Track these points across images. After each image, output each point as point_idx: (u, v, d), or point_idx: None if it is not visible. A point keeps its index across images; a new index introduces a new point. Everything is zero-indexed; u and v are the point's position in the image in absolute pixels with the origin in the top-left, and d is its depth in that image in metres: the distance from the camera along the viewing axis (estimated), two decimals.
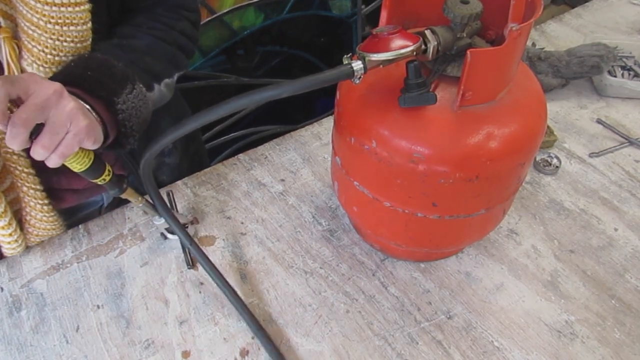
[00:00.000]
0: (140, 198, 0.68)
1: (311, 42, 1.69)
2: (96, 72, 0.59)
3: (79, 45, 0.62)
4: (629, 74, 1.08)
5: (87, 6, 0.60)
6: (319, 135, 0.98)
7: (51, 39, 0.60)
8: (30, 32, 0.59)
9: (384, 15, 0.60)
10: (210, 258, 0.78)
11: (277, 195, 0.87)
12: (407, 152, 0.56)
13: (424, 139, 0.56)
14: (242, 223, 0.83)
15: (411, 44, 0.53)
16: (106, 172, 0.59)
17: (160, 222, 0.73)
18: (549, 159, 0.92)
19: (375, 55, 0.52)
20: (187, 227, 0.80)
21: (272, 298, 0.73)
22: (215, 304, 0.72)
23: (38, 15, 0.58)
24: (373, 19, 1.72)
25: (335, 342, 0.68)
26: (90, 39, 0.64)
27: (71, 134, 0.51)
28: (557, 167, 0.91)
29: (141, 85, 0.65)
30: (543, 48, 1.11)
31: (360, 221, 0.73)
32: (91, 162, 0.56)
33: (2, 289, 0.74)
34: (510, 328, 0.70)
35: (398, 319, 0.70)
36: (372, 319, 0.70)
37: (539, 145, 0.62)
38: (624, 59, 1.09)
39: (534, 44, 1.17)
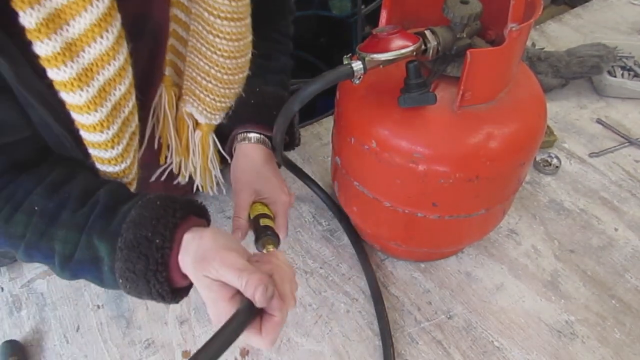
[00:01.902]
0: None
1: (311, 42, 1.69)
2: (274, 109, 0.61)
3: (239, 89, 0.64)
4: (629, 74, 1.08)
5: (249, 56, 0.61)
6: (319, 135, 0.98)
7: (223, 88, 0.62)
8: (205, 82, 0.61)
9: (384, 15, 0.60)
10: None
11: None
12: (407, 152, 0.56)
13: (424, 139, 0.56)
14: None
15: (411, 44, 0.53)
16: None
17: None
18: (549, 159, 0.92)
19: (375, 55, 0.52)
20: None
21: None
22: None
23: (217, 68, 0.60)
24: (373, 19, 1.72)
25: (335, 342, 0.68)
26: None
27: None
28: (557, 167, 0.91)
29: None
30: (543, 48, 1.11)
31: (360, 221, 0.73)
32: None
33: (2, 288, 0.74)
34: (510, 328, 0.70)
35: (398, 319, 0.70)
36: (372, 319, 0.70)
37: (539, 145, 0.62)
38: (624, 59, 1.09)
39: (534, 44, 1.17)
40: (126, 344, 0.68)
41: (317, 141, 0.97)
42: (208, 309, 0.46)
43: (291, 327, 0.70)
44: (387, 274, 0.76)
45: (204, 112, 0.64)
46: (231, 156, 0.71)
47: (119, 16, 0.46)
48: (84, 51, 0.45)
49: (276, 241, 0.59)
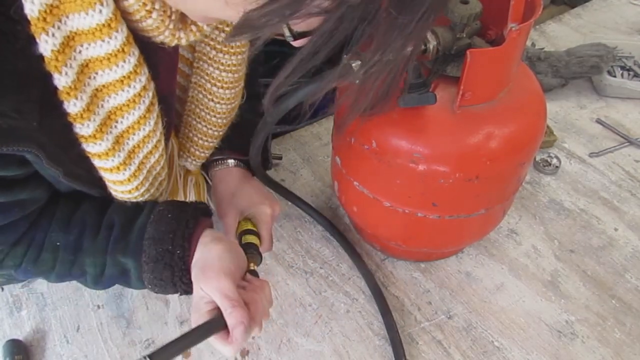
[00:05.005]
0: None
1: None
2: (248, 136, 0.63)
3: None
4: (629, 74, 1.08)
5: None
6: (319, 135, 0.98)
7: (214, 142, 0.67)
8: (201, 142, 0.66)
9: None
10: None
11: (277, 195, 0.87)
12: (407, 152, 0.56)
13: (424, 139, 0.56)
14: None
15: None
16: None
17: None
18: (548, 159, 0.92)
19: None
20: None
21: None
22: None
23: (214, 128, 0.65)
24: None
25: (335, 342, 0.68)
26: None
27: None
28: (557, 167, 0.91)
29: None
30: (543, 48, 1.11)
31: (360, 221, 0.73)
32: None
33: (2, 288, 0.74)
34: (510, 328, 0.70)
35: (398, 319, 0.70)
36: (373, 319, 0.70)
37: (538, 145, 0.62)
38: (624, 59, 1.09)
39: (533, 44, 1.17)
40: (126, 344, 0.68)
41: (317, 141, 0.97)
42: (192, 310, 0.51)
43: (291, 327, 0.70)
44: (387, 274, 0.76)
45: (197, 163, 0.69)
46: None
47: (157, 104, 0.50)
48: (129, 139, 0.49)
49: (257, 259, 0.61)
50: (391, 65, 0.40)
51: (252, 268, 0.59)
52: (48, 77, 0.39)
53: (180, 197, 0.71)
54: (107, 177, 0.51)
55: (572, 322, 0.70)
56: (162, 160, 0.57)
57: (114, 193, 0.54)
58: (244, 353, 0.67)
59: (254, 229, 0.65)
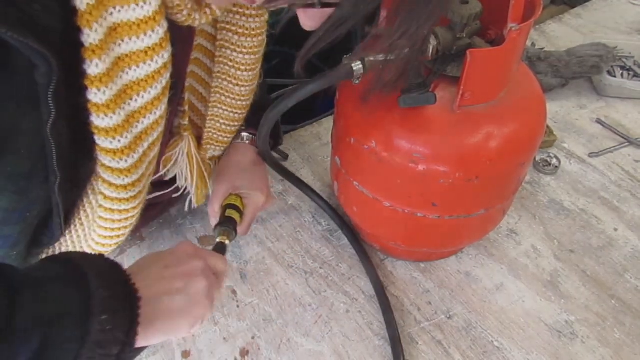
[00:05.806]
0: None
1: None
2: (262, 111, 0.64)
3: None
4: (629, 74, 1.08)
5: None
6: (319, 135, 0.98)
7: (238, 126, 0.69)
8: (230, 128, 0.68)
9: (383, 15, 0.60)
10: None
11: (277, 195, 0.87)
12: (407, 152, 0.56)
13: (424, 139, 0.56)
14: None
15: None
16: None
17: None
18: (548, 159, 0.92)
19: (375, 55, 0.52)
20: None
21: (272, 298, 0.73)
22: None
23: (240, 112, 0.67)
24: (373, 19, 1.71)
25: (335, 342, 0.68)
26: None
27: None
28: (556, 167, 0.91)
29: None
30: (543, 48, 1.11)
31: (360, 221, 0.73)
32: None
33: None
34: (510, 328, 0.70)
35: (398, 319, 0.70)
36: (372, 319, 0.70)
37: (538, 145, 0.62)
38: (624, 59, 1.09)
39: (533, 44, 1.17)
40: None
41: (317, 141, 0.97)
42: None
43: (291, 327, 0.70)
44: (387, 274, 0.76)
45: (223, 149, 0.72)
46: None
47: (169, 90, 0.49)
48: (139, 122, 0.48)
49: (232, 235, 0.64)
50: (420, 32, 0.41)
51: (223, 241, 0.61)
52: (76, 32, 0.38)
53: (198, 182, 0.73)
54: (107, 164, 0.48)
55: (572, 322, 0.70)
56: (153, 163, 0.56)
57: (106, 191, 0.51)
58: (244, 353, 0.67)
59: (241, 208, 0.67)
